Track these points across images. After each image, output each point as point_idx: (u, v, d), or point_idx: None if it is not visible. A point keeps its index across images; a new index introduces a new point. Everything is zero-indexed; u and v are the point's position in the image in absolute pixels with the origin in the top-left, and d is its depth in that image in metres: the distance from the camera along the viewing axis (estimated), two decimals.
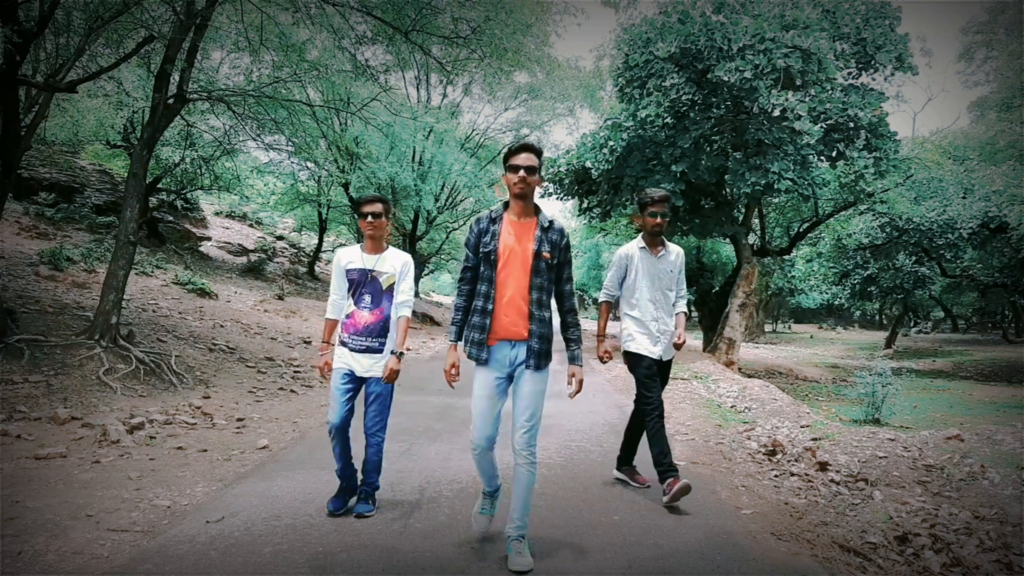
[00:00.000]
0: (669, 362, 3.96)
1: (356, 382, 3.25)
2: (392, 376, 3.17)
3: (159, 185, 14.18)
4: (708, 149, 11.43)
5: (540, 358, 2.73)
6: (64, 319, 7.03)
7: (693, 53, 10.07)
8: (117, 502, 3.36)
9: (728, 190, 12.51)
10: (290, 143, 12.11)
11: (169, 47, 6.75)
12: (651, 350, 3.80)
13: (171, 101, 6.95)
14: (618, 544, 2.97)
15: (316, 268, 21.77)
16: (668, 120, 10.69)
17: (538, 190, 2.81)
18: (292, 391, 6.92)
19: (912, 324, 31.39)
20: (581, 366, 2.83)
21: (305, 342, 10.13)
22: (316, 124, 9.49)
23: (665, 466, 3.61)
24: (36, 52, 6.78)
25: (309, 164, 15.77)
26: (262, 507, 3.33)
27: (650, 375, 3.80)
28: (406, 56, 10.57)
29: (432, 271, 34.58)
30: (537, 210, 2.79)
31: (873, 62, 11.39)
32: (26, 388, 5.20)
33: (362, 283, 3.25)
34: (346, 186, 16.55)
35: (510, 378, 2.76)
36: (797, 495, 3.86)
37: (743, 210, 14.13)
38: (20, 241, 10.46)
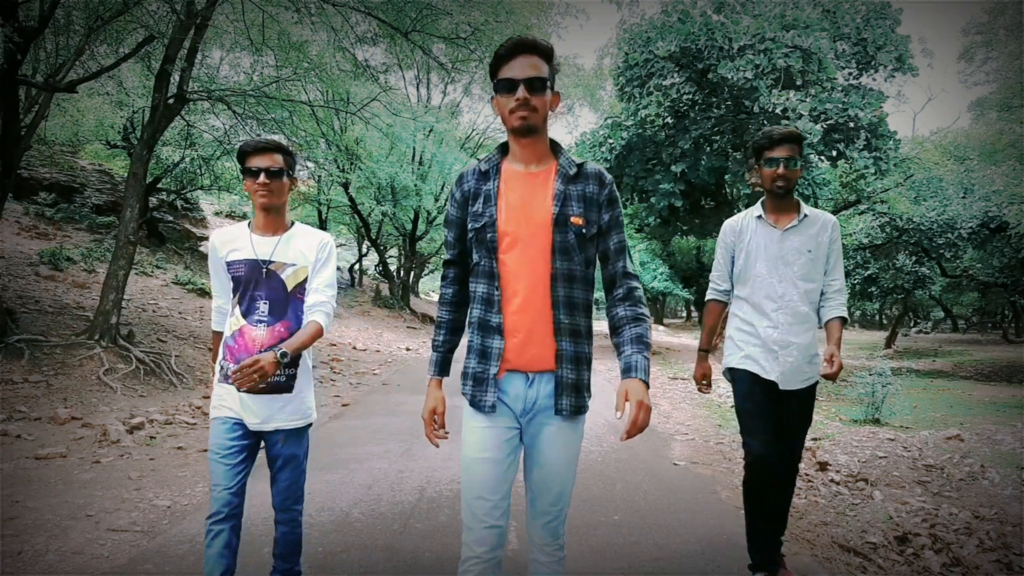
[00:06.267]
0: (804, 395, 2.56)
1: (252, 438, 2.07)
2: (262, 373, 1.84)
3: (159, 185, 14.16)
4: (708, 149, 11.45)
5: (576, 396, 1.65)
6: (64, 319, 7.03)
7: (693, 52, 10.09)
8: (117, 502, 3.36)
9: (728, 190, 12.53)
10: (290, 143, 12.13)
11: (169, 47, 6.76)
12: (761, 366, 2.50)
13: (171, 101, 6.95)
14: (618, 544, 2.97)
15: None
16: (668, 120, 10.72)
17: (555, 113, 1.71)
18: None
19: (912, 324, 31.39)
20: (645, 380, 1.55)
21: None
22: (316, 124, 9.50)
23: (761, 557, 2.59)
24: (36, 52, 6.79)
25: (309, 164, 15.78)
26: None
27: (749, 406, 2.55)
28: (407, 55, 10.59)
29: (432, 271, 34.59)
30: (556, 150, 1.71)
31: (873, 62, 11.43)
32: (26, 388, 5.21)
33: (253, 282, 2.06)
34: (346, 186, 16.58)
35: (521, 430, 1.69)
36: (797, 495, 3.86)
37: (743, 210, 14.16)
38: (20, 241, 10.45)
